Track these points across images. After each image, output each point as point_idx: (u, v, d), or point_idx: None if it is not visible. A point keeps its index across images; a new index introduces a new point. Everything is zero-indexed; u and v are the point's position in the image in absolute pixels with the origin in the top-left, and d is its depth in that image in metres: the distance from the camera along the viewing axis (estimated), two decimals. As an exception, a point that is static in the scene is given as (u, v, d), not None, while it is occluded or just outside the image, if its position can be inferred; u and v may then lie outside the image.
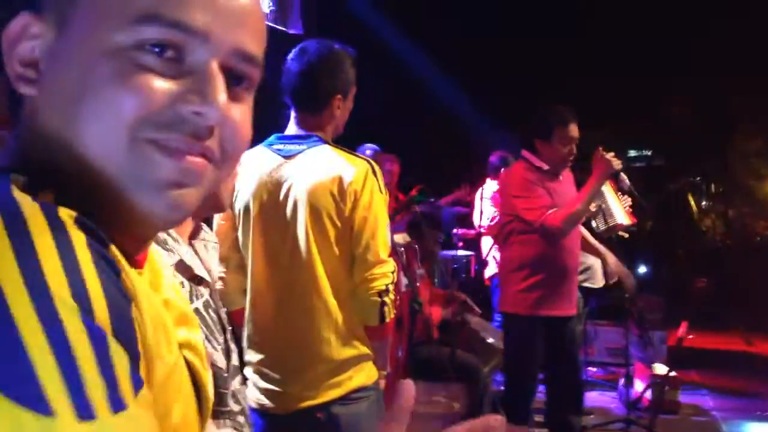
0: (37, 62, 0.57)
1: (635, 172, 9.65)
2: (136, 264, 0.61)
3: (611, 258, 3.70)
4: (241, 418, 1.60)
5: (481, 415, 0.64)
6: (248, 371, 2.06)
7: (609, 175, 3.26)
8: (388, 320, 1.94)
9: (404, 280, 3.49)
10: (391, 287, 1.93)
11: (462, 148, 7.77)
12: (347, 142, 2.19)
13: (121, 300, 0.49)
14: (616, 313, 5.35)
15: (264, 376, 2.01)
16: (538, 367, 3.48)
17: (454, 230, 5.93)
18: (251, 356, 2.05)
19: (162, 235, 1.36)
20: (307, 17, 5.51)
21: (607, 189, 4.35)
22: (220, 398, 1.51)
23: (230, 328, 1.89)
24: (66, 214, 0.50)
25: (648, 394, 4.50)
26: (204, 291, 1.93)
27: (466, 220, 6.10)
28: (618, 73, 8.17)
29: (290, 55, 2.05)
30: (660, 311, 5.84)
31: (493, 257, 4.77)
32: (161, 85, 0.54)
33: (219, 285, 2.15)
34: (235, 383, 1.53)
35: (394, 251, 3.06)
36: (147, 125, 0.54)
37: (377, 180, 1.98)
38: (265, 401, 2.00)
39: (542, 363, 3.48)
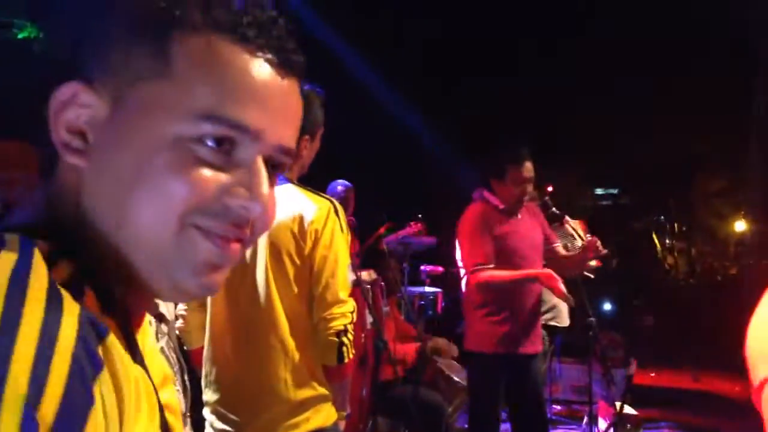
0: (83, 131, 0.59)
1: (602, 210, 9.85)
2: (137, 323, 0.64)
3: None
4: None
5: None
6: (206, 411, 2.04)
7: (548, 282, 3.15)
8: (347, 360, 1.94)
9: (369, 318, 3.49)
10: (350, 327, 1.93)
11: (426, 186, 7.86)
12: (316, 178, 2.21)
13: (80, 401, 0.48)
14: (580, 351, 5.39)
15: (221, 417, 1.99)
16: (502, 405, 3.48)
17: (422, 267, 5.95)
18: (209, 396, 2.03)
19: None
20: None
21: (574, 230, 4.41)
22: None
23: (187, 367, 1.88)
24: (70, 305, 0.50)
25: (611, 433, 4.52)
26: (164, 328, 1.92)
27: (434, 254, 6.13)
28: (586, 112, 8.35)
29: None
30: (622, 349, 5.90)
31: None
32: (213, 177, 0.58)
33: (179, 323, 2.14)
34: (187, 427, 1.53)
35: (360, 289, 3.07)
36: (197, 213, 0.58)
37: (339, 219, 1.99)
38: (222, 442, 1.97)
39: (506, 401, 3.47)
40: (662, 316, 7.77)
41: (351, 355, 1.94)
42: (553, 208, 3.42)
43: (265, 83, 0.60)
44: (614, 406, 4.68)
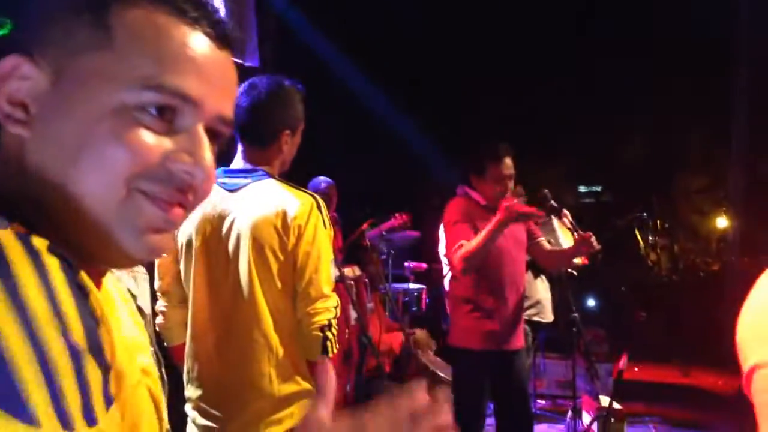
0: (25, 103, 0.60)
1: (585, 208, 9.91)
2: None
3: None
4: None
5: None
6: (187, 407, 2.02)
7: (509, 220, 3.07)
8: (331, 355, 1.93)
9: (353, 314, 3.49)
10: (334, 322, 1.92)
11: (409, 183, 7.86)
12: (299, 173, 2.20)
13: (91, 321, 0.53)
14: (564, 347, 5.42)
15: (203, 413, 1.97)
16: (487, 401, 3.48)
17: (406, 263, 5.95)
18: (191, 392, 2.01)
19: None
20: (266, 50, 5.52)
21: (559, 226, 4.42)
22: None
23: (164, 362, 1.86)
24: (39, 242, 0.53)
25: (595, 427, 4.55)
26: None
27: (418, 251, 6.14)
28: (569, 111, 8.38)
29: (240, 90, 2.04)
30: (606, 344, 5.94)
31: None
32: (156, 143, 0.60)
33: (160, 319, 2.12)
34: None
35: (344, 284, 3.06)
36: (141, 178, 0.60)
37: (322, 215, 1.98)
38: (204, 439, 1.95)
39: (491, 397, 3.48)
40: (645, 311, 7.83)
41: (335, 350, 1.93)
42: (552, 201, 3.41)
43: (204, 54, 0.62)
44: (598, 400, 4.71)
